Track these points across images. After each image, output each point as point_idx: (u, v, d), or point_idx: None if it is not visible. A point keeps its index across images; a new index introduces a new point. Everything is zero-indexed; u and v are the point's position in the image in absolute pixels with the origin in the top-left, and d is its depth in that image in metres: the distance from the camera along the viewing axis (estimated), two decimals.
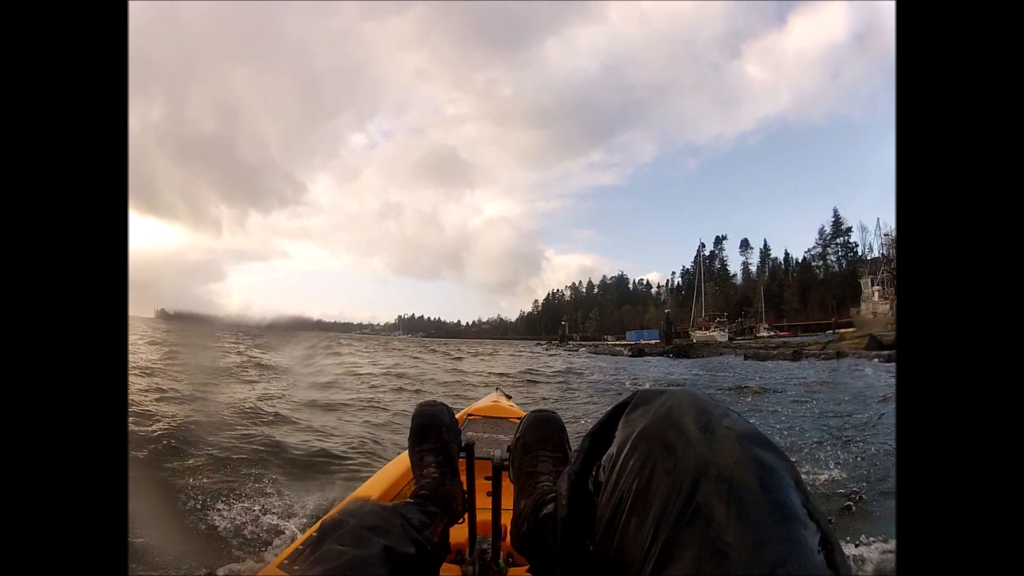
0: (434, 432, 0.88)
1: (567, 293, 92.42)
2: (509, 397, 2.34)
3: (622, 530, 0.38)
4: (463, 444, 0.89)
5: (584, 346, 36.90)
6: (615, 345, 32.69)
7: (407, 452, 0.92)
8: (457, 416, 1.72)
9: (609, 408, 0.48)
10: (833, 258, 59.73)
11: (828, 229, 60.62)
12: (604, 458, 0.44)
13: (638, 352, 22.82)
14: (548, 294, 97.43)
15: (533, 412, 0.87)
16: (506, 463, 0.84)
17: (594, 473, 0.46)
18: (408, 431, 0.91)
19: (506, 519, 0.86)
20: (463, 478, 0.88)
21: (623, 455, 0.41)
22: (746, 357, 16.04)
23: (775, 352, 15.85)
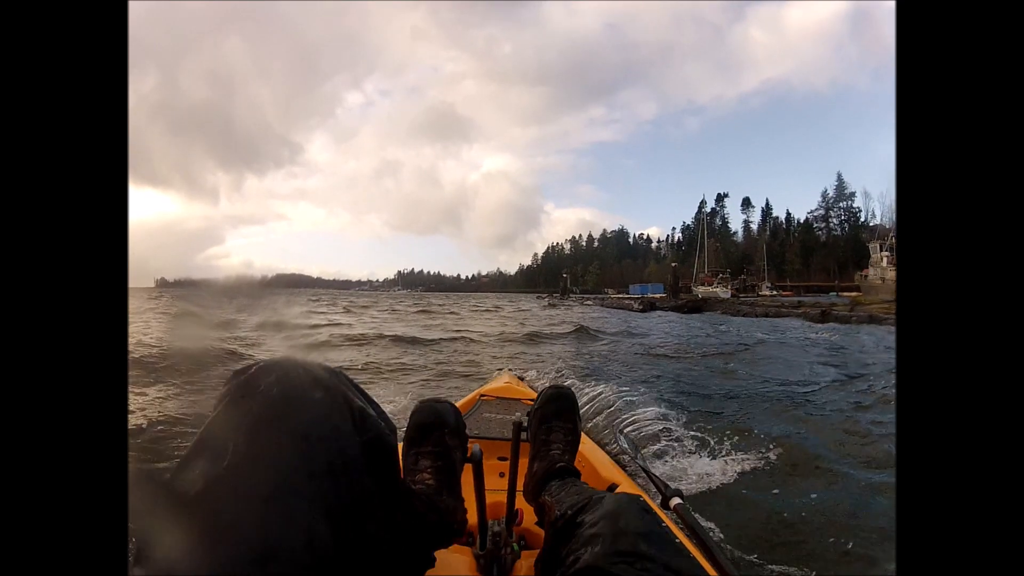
0: (436, 433, 0.75)
1: (567, 247, 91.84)
2: (522, 378, 2.30)
3: None
4: (469, 454, 0.76)
5: (588, 299, 36.80)
6: (622, 299, 32.51)
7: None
8: (469, 397, 1.74)
9: (572, 510, 0.62)
10: (836, 221, 59.29)
11: (831, 192, 59.79)
12: (565, 550, 0.56)
13: (649, 306, 22.60)
14: (547, 248, 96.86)
15: (551, 387, 0.97)
16: (525, 425, 0.88)
17: (563, 554, 0.56)
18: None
19: (520, 502, 0.86)
20: (471, 489, 0.78)
21: (576, 550, 0.54)
22: (767, 315, 15.89)
23: (798, 312, 15.67)
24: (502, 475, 0.92)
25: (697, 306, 21.84)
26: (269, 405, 0.43)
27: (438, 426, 0.75)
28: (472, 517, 0.79)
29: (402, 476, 0.67)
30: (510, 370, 2.41)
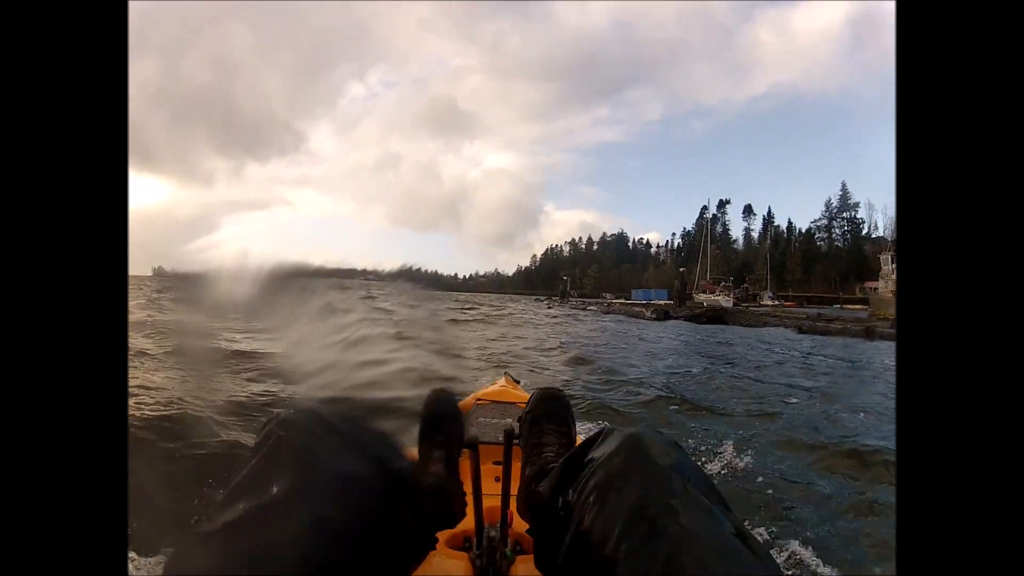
0: (445, 422, 0.83)
1: (566, 249, 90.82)
2: (518, 382, 2.11)
3: (592, 543, 0.47)
4: (466, 440, 0.83)
5: (589, 304, 35.52)
6: (631, 305, 31.29)
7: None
8: (465, 401, 1.65)
9: (582, 441, 0.62)
10: (838, 232, 58.87)
11: (835, 202, 59.35)
12: (578, 482, 0.55)
13: (663, 315, 21.46)
14: (546, 249, 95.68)
15: (541, 389, 0.93)
16: (517, 432, 0.87)
17: (566, 495, 0.56)
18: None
19: (515, 506, 0.87)
20: (468, 475, 0.83)
21: (591, 481, 0.52)
22: (801, 330, 14.78)
23: (837, 327, 14.58)
24: (497, 479, 0.89)
25: (717, 316, 20.68)
26: (281, 460, 0.49)
27: (447, 415, 0.82)
28: (469, 522, 0.82)
29: (417, 460, 0.74)
30: (506, 374, 2.20)
